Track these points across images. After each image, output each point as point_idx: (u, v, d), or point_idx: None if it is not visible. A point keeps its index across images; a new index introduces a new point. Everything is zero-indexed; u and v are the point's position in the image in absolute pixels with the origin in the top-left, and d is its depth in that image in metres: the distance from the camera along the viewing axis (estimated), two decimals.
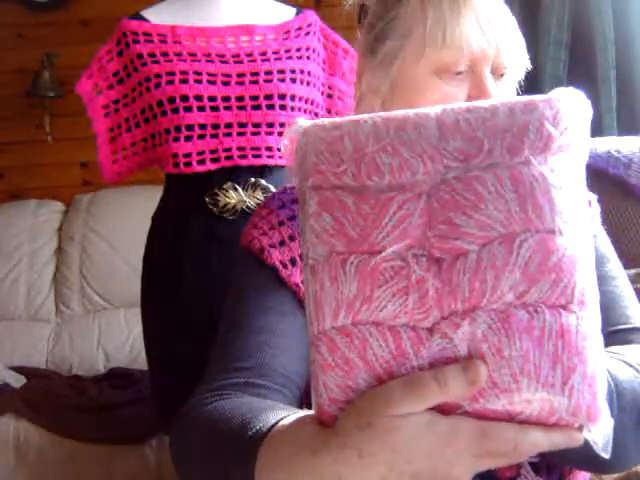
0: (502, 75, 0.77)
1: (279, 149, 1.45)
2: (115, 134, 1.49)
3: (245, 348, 0.78)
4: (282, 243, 0.82)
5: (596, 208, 0.89)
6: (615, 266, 0.83)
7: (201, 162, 1.41)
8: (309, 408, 0.65)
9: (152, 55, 1.43)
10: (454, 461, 0.49)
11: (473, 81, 0.76)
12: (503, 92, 0.77)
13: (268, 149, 1.43)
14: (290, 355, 0.77)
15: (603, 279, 0.78)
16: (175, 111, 1.39)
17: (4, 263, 2.72)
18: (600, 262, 0.79)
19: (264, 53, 1.45)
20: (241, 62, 1.43)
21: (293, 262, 0.81)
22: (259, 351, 0.77)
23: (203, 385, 0.80)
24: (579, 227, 0.49)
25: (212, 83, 1.40)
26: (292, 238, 0.82)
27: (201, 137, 1.40)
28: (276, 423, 0.58)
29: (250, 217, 0.89)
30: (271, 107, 1.41)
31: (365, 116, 0.51)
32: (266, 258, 0.81)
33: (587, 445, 0.50)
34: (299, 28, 1.51)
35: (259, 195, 1.44)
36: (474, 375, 0.47)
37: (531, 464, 0.74)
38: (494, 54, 0.75)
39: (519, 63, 0.79)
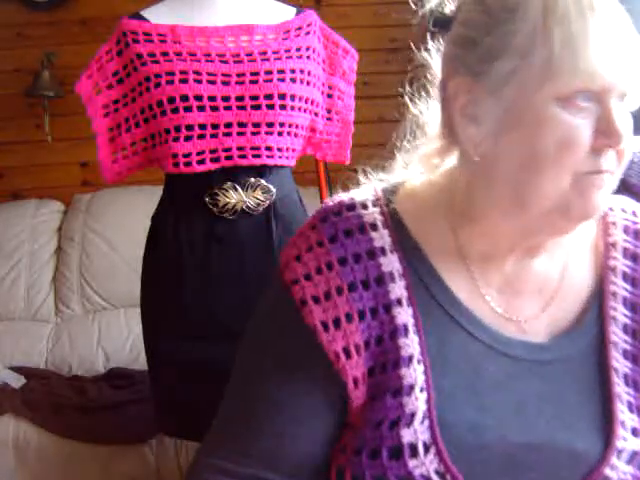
0: (622, 100, 0.67)
1: (279, 149, 1.45)
2: (115, 134, 1.49)
3: (258, 432, 0.72)
4: (328, 296, 0.70)
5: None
6: None
7: (201, 162, 1.41)
8: None
9: (152, 55, 1.42)
10: None
11: (600, 113, 0.65)
12: (628, 123, 0.67)
13: (268, 149, 1.43)
14: (308, 441, 0.72)
15: None
16: (175, 111, 1.39)
17: (4, 263, 2.72)
18: None
19: (264, 53, 1.44)
20: (241, 62, 1.42)
21: (337, 323, 0.69)
22: (273, 439, 0.72)
23: (206, 457, 0.75)
24: None
25: (212, 83, 1.40)
26: (340, 291, 0.69)
27: (201, 137, 1.40)
28: None
29: (296, 235, 0.76)
30: (271, 107, 1.41)
31: None
32: (306, 315, 0.70)
33: None
34: (299, 28, 1.51)
35: (259, 195, 1.44)
36: None
37: None
38: (622, 81, 0.65)
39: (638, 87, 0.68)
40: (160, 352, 1.49)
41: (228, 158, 1.41)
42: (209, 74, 1.40)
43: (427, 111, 0.79)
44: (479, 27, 0.68)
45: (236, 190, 1.43)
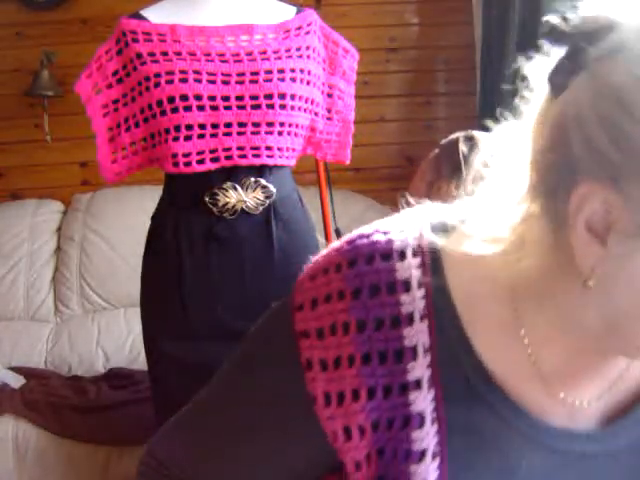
0: None
1: (279, 149, 1.44)
2: (114, 134, 1.49)
3: (213, 467, 0.68)
4: (337, 364, 0.59)
5: None
6: None
7: (201, 162, 1.41)
8: None
9: (152, 54, 1.42)
10: None
11: None
12: None
13: (268, 149, 1.43)
14: None
15: None
16: (175, 110, 1.39)
17: (3, 263, 2.71)
18: None
19: (264, 52, 1.44)
20: (241, 61, 1.42)
21: (341, 398, 0.58)
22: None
23: (150, 457, 0.73)
24: None
25: (212, 82, 1.40)
26: (352, 361, 0.58)
27: (201, 137, 1.40)
28: None
29: (320, 265, 0.63)
30: (271, 106, 1.41)
31: None
32: (309, 381, 0.59)
33: None
34: (299, 27, 1.51)
35: (259, 195, 1.44)
36: None
37: None
38: None
39: None
40: (160, 352, 1.49)
41: (228, 158, 1.41)
42: (209, 74, 1.40)
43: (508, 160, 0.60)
44: None
45: (236, 190, 1.43)
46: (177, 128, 1.39)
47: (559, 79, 0.52)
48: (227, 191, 1.42)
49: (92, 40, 2.35)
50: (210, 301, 1.44)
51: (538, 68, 0.55)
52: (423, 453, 0.58)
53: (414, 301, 0.59)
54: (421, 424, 0.58)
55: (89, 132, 1.51)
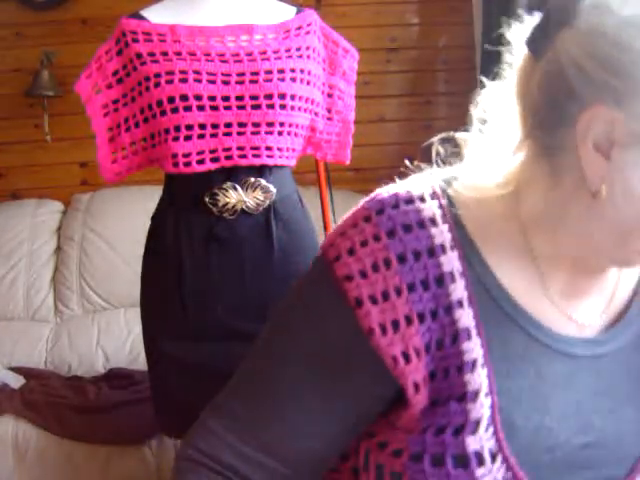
0: None
1: (279, 149, 1.44)
2: (114, 134, 1.49)
3: (272, 419, 0.70)
4: (386, 296, 0.65)
5: None
6: None
7: (201, 162, 1.41)
8: None
9: (151, 54, 1.42)
10: None
11: None
12: None
13: (268, 149, 1.43)
14: (321, 441, 0.70)
15: None
16: (175, 110, 1.39)
17: (3, 263, 2.71)
18: None
19: (264, 52, 1.44)
20: (241, 61, 1.42)
21: (395, 326, 0.65)
22: (285, 430, 0.70)
23: (212, 421, 0.73)
24: None
25: (212, 82, 1.40)
26: (399, 292, 0.65)
27: (201, 137, 1.40)
28: None
29: (346, 225, 0.69)
30: (271, 107, 1.41)
31: None
32: (361, 318, 0.65)
33: None
34: (299, 27, 1.51)
35: (259, 195, 1.44)
36: None
37: None
38: None
39: None
40: (160, 352, 1.49)
41: (228, 158, 1.41)
42: (209, 74, 1.40)
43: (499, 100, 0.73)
44: None
45: (236, 190, 1.43)
46: (177, 128, 1.39)
47: (539, 42, 0.65)
48: (227, 191, 1.42)
49: (92, 40, 2.34)
50: (210, 301, 1.44)
51: (518, 35, 0.68)
52: (474, 363, 0.65)
53: (442, 234, 0.67)
54: (469, 337, 0.66)
55: (89, 132, 1.50)
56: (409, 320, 0.65)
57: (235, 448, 0.71)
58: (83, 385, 2.32)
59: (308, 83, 1.48)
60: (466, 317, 0.66)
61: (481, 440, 0.65)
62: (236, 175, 1.43)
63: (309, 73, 1.48)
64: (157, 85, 1.40)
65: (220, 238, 1.43)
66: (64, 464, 2.07)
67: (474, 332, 0.66)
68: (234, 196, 1.42)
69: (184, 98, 1.38)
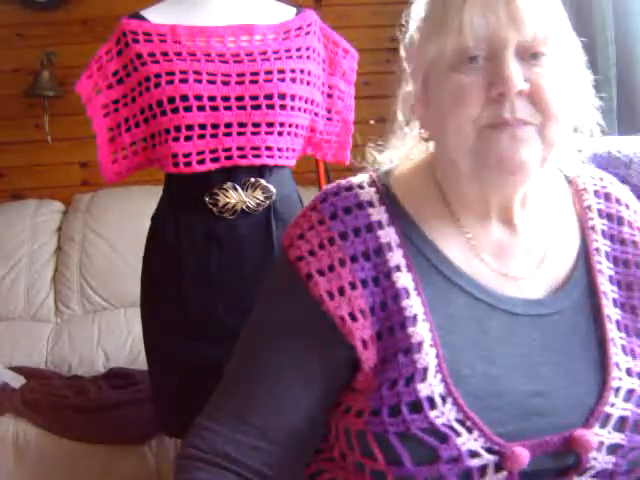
0: (537, 57, 0.72)
1: (279, 149, 1.44)
2: (115, 134, 1.49)
3: (256, 397, 0.77)
4: (331, 268, 0.75)
5: None
6: None
7: (201, 162, 1.41)
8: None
9: (152, 55, 1.42)
10: None
11: (492, 68, 0.71)
12: (544, 75, 0.71)
13: (268, 149, 1.43)
14: (302, 410, 0.76)
15: None
16: (175, 111, 1.39)
17: (4, 263, 2.71)
18: None
19: (264, 53, 1.44)
20: (241, 62, 1.42)
21: (341, 292, 0.74)
22: (271, 405, 0.76)
23: (206, 421, 0.79)
24: None
25: (212, 83, 1.40)
26: (342, 263, 0.75)
27: (201, 137, 1.40)
28: None
29: (297, 216, 0.81)
30: (271, 107, 1.41)
31: None
32: (311, 288, 0.75)
33: None
34: (299, 28, 1.51)
35: (259, 195, 1.44)
36: None
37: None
38: (515, 35, 0.70)
39: (559, 40, 0.73)
40: (160, 352, 1.49)
41: (228, 158, 1.41)
42: (209, 74, 1.40)
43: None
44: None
45: (236, 190, 1.43)
46: (177, 128, 1.39)
47: None
48: (227, 191, 1.42)
49: (92, 40, 2.35)
50: (210, 301, 1.44)
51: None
52: (415, 318, 0.73)
53: (380, 213, 0.78)
54: (408, 296, 0.74)
55: (89, 132, 1.51)
56: (353, 286, 0.74)
57: (227, 436, 0.75)
58: (83, 385, 2.32)
59: (308, 83, 1.48)
60: (404, 279, 0.75)
61: (431, 386, 0.71)
62: (236, 175, 1.43)
63: (309, 73, 1.48)
64: (157, 85, 1.40)
65: (220, 238, 1.44)
66: (64, 463, 2.07)
67: (414, 293, 0.74)
68: (234, 196, 1.43)
69: (184, 98, 1.38)
